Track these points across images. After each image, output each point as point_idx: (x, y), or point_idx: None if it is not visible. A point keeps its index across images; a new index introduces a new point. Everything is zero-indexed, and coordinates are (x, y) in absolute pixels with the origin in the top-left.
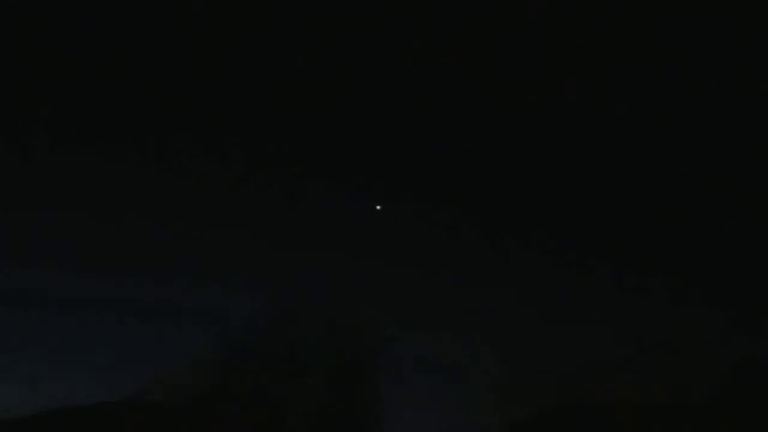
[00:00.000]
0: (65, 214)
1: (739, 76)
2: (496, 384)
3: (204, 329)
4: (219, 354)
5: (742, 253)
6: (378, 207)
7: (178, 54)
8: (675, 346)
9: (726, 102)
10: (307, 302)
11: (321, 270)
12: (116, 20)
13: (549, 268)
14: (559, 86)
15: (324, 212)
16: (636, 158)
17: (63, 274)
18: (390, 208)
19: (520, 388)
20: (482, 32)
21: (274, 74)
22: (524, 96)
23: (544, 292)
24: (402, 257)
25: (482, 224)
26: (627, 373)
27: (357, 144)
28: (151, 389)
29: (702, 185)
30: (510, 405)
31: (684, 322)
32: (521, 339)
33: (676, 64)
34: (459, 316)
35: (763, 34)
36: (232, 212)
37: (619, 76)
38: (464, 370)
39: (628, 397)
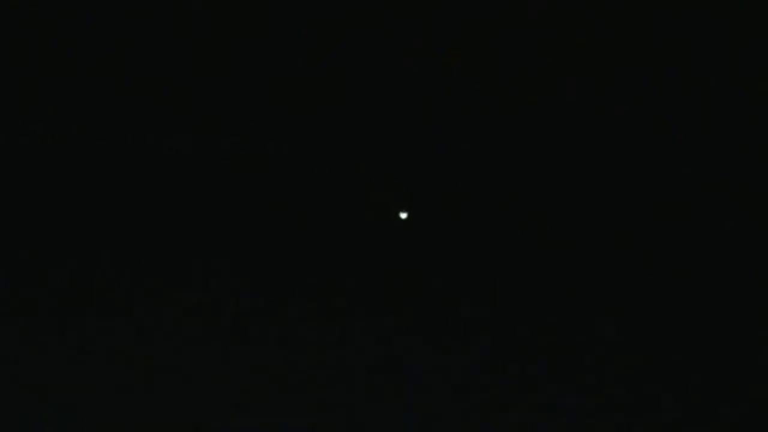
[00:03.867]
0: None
1: (739, 76)
2: None
3: None
4: None
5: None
6: (403, 215)
7: (178, 54)
8: None
9: (726, 102)
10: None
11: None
12: (116, 20)
13: (547, 267)
14: (559, 86)
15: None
16: (636, 158)
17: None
18: (391, 210)
19: None
20: (482, 32)
21: (274, 74)
22: (524, 96)
23: (541, 288)
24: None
25: (481, 224)
26: None
27: (356, 144)
28: None
29: (702, 185)
30: None
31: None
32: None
33: (676, 64)
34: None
35: (763, 34)
36: (231, 213)
37: (619, 76)
38: None
39: None
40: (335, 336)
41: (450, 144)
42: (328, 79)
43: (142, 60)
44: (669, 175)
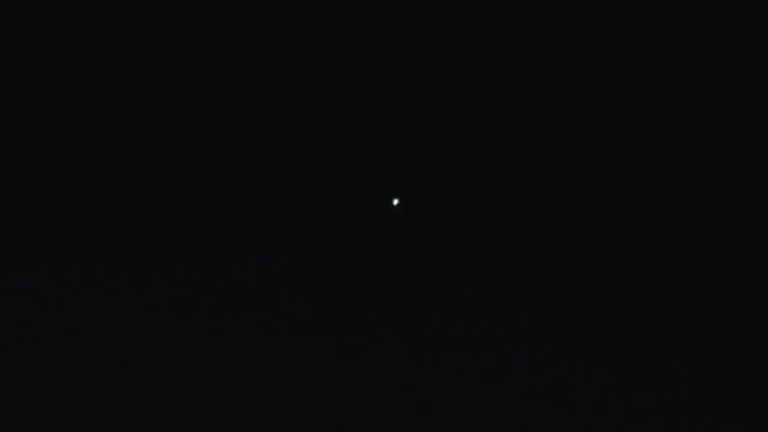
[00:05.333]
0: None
1: (739, 76)
2: None
3: None
4: None
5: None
6: (395, 201)
7: (178, 54)
8: None
9: (726, 102)
10: None
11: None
12: (116, 20)
13: (546, 271)
14: (558, 86)
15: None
16: (636, 159)
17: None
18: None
19: None
20: (482, 32)
21: (273, 74)
22: (524, 96)
23: (541, 291)
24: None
25: (481, 225)
26: None
27: (355, 144)
28: None
29: (702, 185)
30: None
31: None
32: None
33: (676, 63)
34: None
35: (763, 34)
36: (232, 213)
37: (619, 76)
38: None
39: None
40: (335, 335)
41: (449, 144)
42: (329, 79)
43: (141, 59)
44: (669, 175)
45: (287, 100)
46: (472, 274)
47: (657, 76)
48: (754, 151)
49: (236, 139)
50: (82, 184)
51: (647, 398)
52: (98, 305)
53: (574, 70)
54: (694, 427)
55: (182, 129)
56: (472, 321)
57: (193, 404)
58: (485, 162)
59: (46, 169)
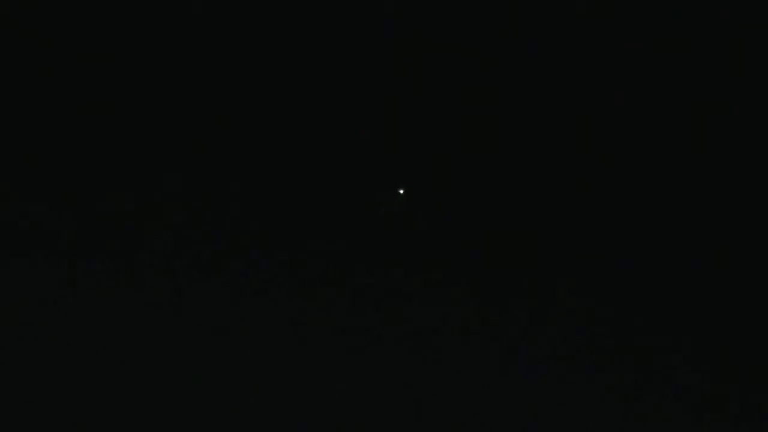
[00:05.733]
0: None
1: (739, 76)
2: None
3: None
4: None
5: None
6: (401, 191)
7: (178, 54)
8: None
9: (726, 102)
10: None
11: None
12: (116, 20)
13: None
14: (558, 86)
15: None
16: (636, 159)
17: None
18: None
19: None
20: (482, 32)
21: (273, 74)
22: (524, 96)
23: (541, 290)
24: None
25: (481, 225)
26: None
27: (355, 143)
28: None
29: (702, 185)
30: None
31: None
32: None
33: (676, 63)
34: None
35: (763, 34)
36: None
37: (619, 76)
38: None
39: None
40: (335, 335)
41: (449, 143)
42: (330, 79)
43: (141, 59)
44: (669, 175)
45: (287, 100)
46: (472, 274)
47: (657, 76)
48: (754, 151)
49: (236, 139)
50: (82, 184)
51: (647, 398)
52: (98, 305)
53: (574, 70)
54: (694, 427)
55: (182, 129)
56: (472, 321)
57: (193, 404)
58: (485, 162)
59: (46, 169)
